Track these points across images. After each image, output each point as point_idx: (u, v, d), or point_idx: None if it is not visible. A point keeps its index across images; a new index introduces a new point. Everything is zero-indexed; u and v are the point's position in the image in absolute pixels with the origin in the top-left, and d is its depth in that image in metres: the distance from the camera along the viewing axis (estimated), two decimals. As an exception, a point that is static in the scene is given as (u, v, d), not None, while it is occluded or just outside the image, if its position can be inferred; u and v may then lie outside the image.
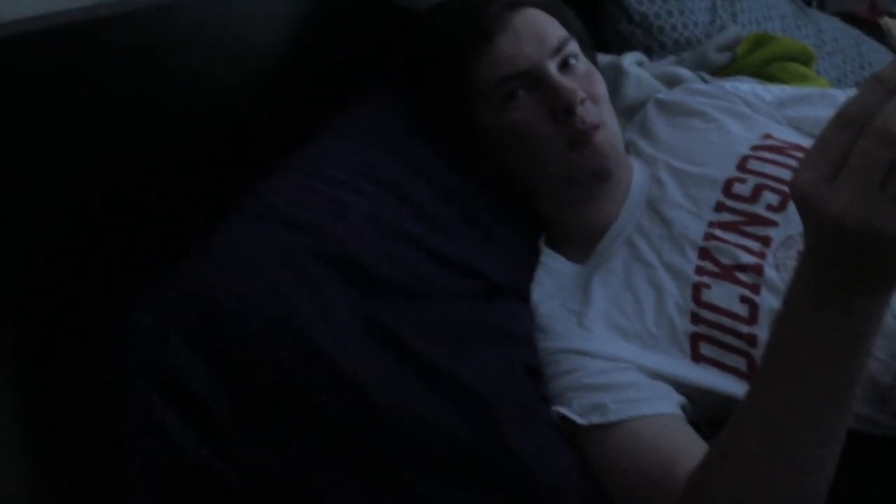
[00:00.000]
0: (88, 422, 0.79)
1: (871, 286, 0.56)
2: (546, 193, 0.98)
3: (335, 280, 0.79)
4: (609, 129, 0.95)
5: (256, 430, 0.75)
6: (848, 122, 0.52)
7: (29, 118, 0.79)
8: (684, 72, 1.16)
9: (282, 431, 0.75)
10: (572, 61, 0.93)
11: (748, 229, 0.89)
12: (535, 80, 0.91)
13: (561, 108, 0.90)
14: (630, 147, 1.05)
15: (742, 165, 0.94)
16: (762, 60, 1.16)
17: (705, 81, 1.15)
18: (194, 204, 0.88)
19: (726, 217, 0.91)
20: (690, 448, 0.73)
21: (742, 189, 0.92)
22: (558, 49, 0.93)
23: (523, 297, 0.93)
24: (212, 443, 0.74)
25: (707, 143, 0.99)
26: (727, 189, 0.92)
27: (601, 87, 0.95)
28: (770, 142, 0.96)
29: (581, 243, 0.97)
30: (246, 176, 0.89)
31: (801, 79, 1.14)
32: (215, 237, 0.81)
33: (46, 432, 0.87)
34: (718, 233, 0.90)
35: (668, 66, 1.18)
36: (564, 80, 0.91)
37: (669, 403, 0.80)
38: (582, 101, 0.91)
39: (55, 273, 0.87)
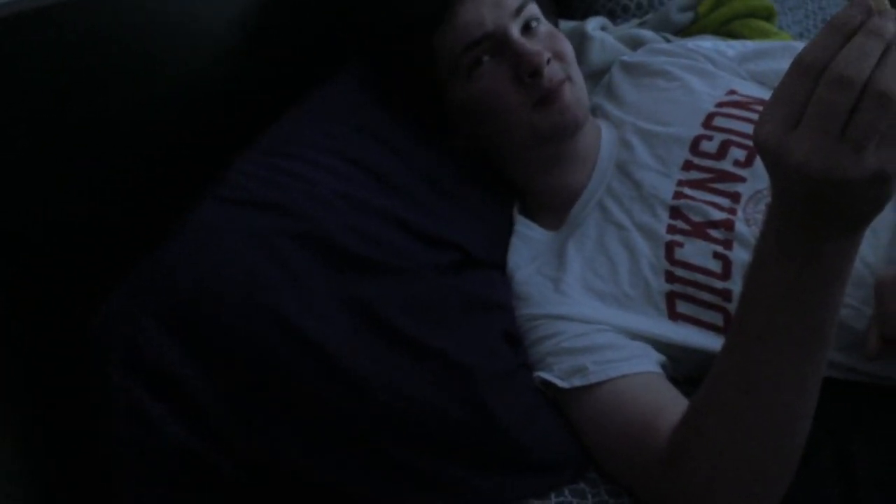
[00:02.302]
0: (74, 413, 0.79)
1: (837, 232, 0.56)
2: (517, 158, 0.98)
3: (309, 259, 0.79)
4: (576, 83, 0.94)
5: (239, 412, 0.75)
6: (805, 70, 0.53)
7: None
8: (647, 33, 1.15)
9: (264, 412, 0.76)
10: (534, 24, 0.93)
11: (717, 186, 0.90)
12: (498, 45, 0.91)
13: (528, 72, 0.89)
14: (597, 111, 1.05)
15: (708, 123, 0.94)
16: (724, 18, 1.16)
17: (668, 41, 1.15)
18: (165, 190, 0.88)
19: (695, 175, 0.91)
20: (671, 405, 0.74)
21: (709, 146, 0.92)
22: (518, 10, 0.92)
23: (499, 266, 0.94)
24: (195, 427, 0.75)
25: (672, 102, 0.99)
26: (694, 147, 0.93)
27: (566, 46, 0.95)
28: (735, 97, 0.96)
29: (554, 210, 0.97)
30: (215, 161, 0.88)
31: (764, 35, 1.14)
32: (186, 222, 0.80)
33: (34, 426, 0.87)
34: (688, 191, 0.90)
35: (631, 28, 1.18)
36: (528, 44, 0.90)
37: (649, 362, 0.81)
38: (548, 62, 0.90)
39: (29, 267, 0.87)
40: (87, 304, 0.78)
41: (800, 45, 1.06)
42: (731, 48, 1.07)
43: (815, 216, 0.56)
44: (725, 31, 1.16)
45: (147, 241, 0.80)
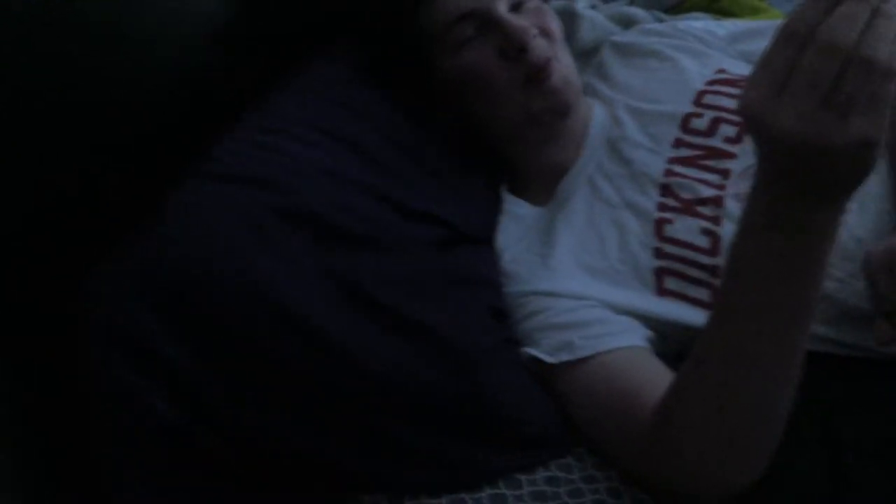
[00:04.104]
0: (60, 396, 0.79)
1: (822, 200, 0.56)
2: (506, 135, 0.98)
3: (295, 235, 0.79)
4: (563, 63, 0.94)
5: (227, 390, 0.75)
6: (790, 38, 0.52)
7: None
8: (638, 11, 1.15)
9: (253, 389, 0.75)
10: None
11: (707, 163, 0.90)
12: (485, 20, 0.91)
13: (514, 48, 0.89)
14: (588, 89, 1.05)
15: (698, 101, 0.94)
16: (715, -5, 1.16)
17: (660, 21, 1.15)
18: (153, 169, 0.87)
19: (685, 152, 0.91)
20: (657, 379, 0.74)
21: (699, 123, 0.92)
22: None
23: (486, 241, 0.94)
24: (183, 405, 0.74)
25: (663, 81, 0.99)
26: (685, 124, 0.93)
27: (553, 23, 0.95)
28: (724, 76, 0.97)
29: (542, 185, 0.97)
30: (200, 141, 0.88)
31: (754, 11, 1.14)
32: (171, 199, 0.80)
33: (20, 409, 0.87)
34: (678, 168, 0.90)
35: (621, 6, 1.18)
36: (515, 19, 0.90)
37: (636, 336, 0.81)
38: (534, 37, 0.90)
39: (13, 248, 0.87)
40: (72, 285, 0.78)
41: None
42: (721, 27, 1.08)
43: (799, 184, 0.55)
44: (716, 8, 1.17)
45: (133, 220, 0.80)
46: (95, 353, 0.75)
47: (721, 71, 0.97)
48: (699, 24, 1.09)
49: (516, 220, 0.96)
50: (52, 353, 0.79)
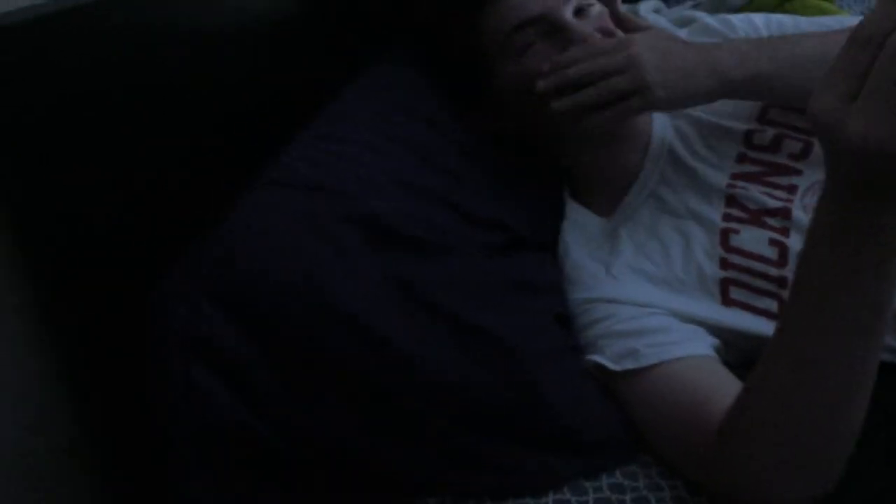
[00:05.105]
0: (132, 392, 0.81)
1: (894, 207, 0.55)
2: (568, 143, 0.97)
3: (358, 240, 0.80)
4: None
5: (292, 391, 0.76)
6: (865, 41, 0.51)
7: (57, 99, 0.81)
8: (703, 15, 1.13)
9: (316, 391, 0.77)
10: (586, 6, 0.92)
11: (772, 179, 0.89)
12: (549, 26, 0.90)
13: None
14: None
15: (762, 116, 0.93)
16: (781, -2, 1.14)
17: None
18: (223, 174, 0.89)
19: (748, 168, 0.90)
20: (724, 387, 0.74)
21: (762, 139, 0.91)
22: None
23: (548, 247, 0.94)
24: (249, 404, 0.76)
25: None
26: (747, 140, 0.92)
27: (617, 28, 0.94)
28: None
29: (606, 196, 0.97)
30: (272, 143, 0.90)
31: (821, 13, 1.11)
32: (241, 205, 0.82)
33: (93, 402, 0.90)
34: (742, 183, 0.89)
35: (685, 9, 1.17)
36: (581, 25, 0.90)
37: (702, 345, 0.81)
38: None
39: (87, 250, 0.89)
40: (144, 286, 0.80)
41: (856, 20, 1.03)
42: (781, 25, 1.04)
43: (871, 191, 0.54)
44: (783, 10, 1.14)
45: (203, 225, 0.82)
46: (164, 350, 0.77)
47: None
48: (760, 18, 1.03)
49: (580, 227, 0.96)
50: (124, 350, 0.81)
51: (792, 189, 0.87)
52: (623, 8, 1.14)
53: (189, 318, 0.77)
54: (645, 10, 1.15)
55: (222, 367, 0.76)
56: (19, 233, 0.84)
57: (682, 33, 1.07)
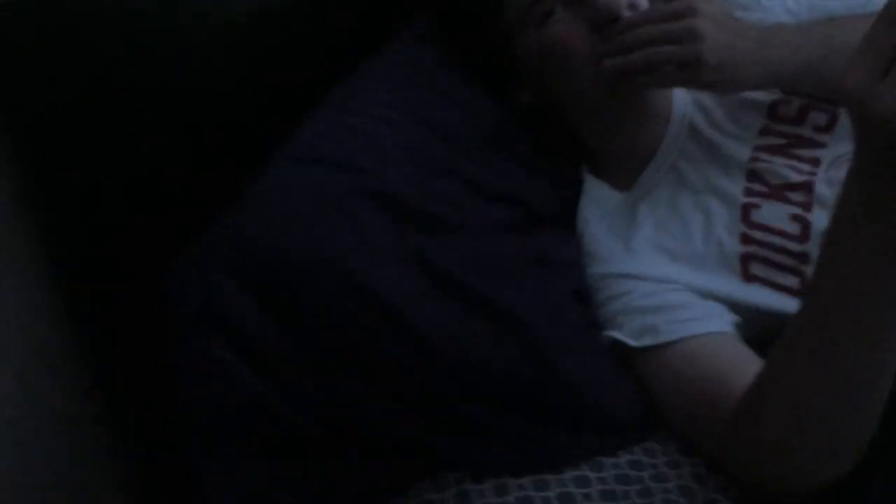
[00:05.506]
0: (150, 367, 0.82)
1: None
2: (586, 112, 0.95)
3: (376, 215, 0.80)
4: None
5: (311, 366, 0.77)
6: (894, 20, 0.51)
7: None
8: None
9: (335, 366, 0.77)
10: None
11: (796, 151, 0.88)
12: None
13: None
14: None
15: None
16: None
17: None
18: (240, 151, 0.89)
19: (772, 140, 0.89)
20: (744, 365, 0.73)
21: (788, 110, 0.90)
22: None
23: (566, 224, 0.93)
24: (270, 380, 0.76)
25: None
26: (772, 112, 0.90)
27: None
28: None
29: (625, 170, 0.95)
30: (288, 119, 0.89)
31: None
32: (259, 182, 0.82)
33: (114, 381, 0.91)
34: (765, 156, 0.88)
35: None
36: None
37: (721, 322, 0.80)
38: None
39: (106, 227, 0.90)
40: (163, 263, 0.80)
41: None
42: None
43: None
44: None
45: (221, 202, 0.82)
46: (185, 327, 0.78)
47: None
48: None
49: (598, 201, 0.95)
50: (145, 328, 0.82)
51: (815, 162, 0.86)
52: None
53: (208, 294, 0.77)
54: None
55: (242, 343, 0.76)
56: (38, 212, 0.84)
57: None
